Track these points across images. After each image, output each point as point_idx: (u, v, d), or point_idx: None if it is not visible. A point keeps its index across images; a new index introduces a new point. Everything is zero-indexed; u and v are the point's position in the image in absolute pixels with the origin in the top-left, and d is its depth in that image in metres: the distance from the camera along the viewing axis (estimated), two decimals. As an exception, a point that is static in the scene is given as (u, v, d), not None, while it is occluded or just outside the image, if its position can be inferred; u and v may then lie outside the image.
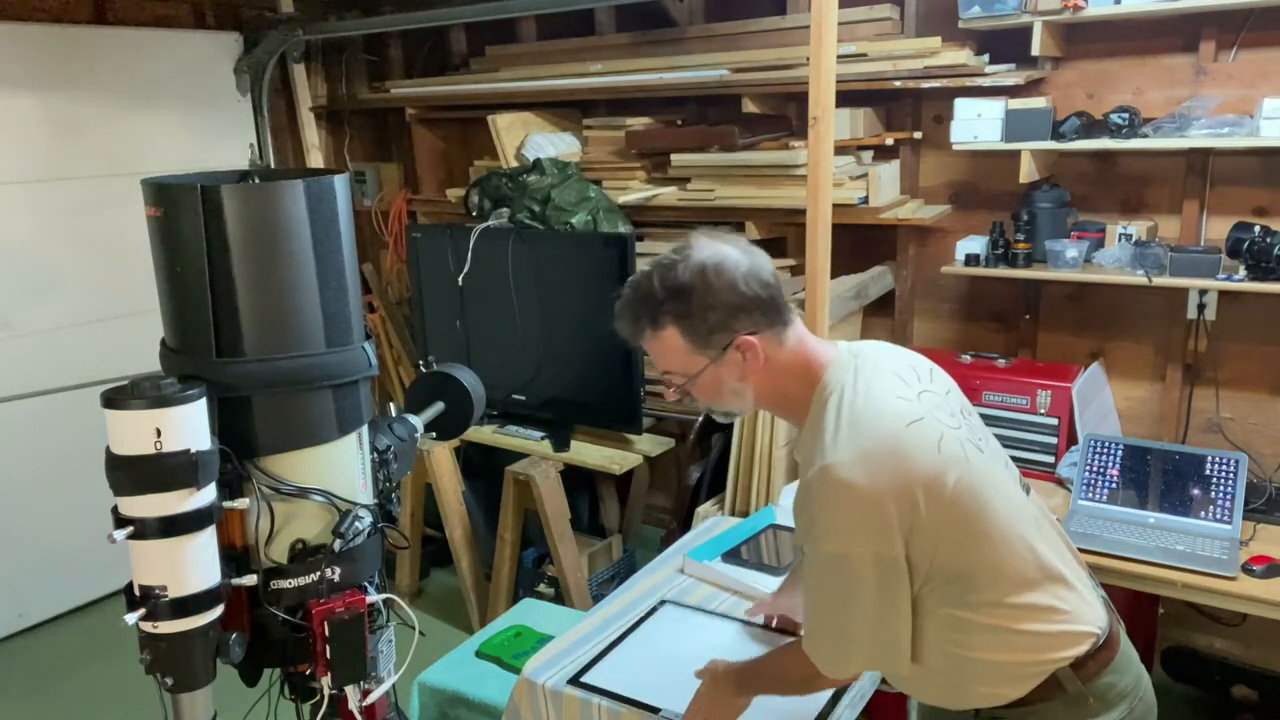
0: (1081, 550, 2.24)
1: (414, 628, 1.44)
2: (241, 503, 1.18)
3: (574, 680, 1.69)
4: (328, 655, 1.25)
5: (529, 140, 3.46)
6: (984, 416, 2.66)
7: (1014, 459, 2.70)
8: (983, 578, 1.26)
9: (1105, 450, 2.49)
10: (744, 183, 3.02)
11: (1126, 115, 2.50)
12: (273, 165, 3.93)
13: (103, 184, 3.50)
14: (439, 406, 1.61)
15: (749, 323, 1.32)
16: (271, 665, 1.32)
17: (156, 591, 1.10)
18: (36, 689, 3.15)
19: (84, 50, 3.47)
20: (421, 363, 3.53)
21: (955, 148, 2.66)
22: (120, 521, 1.10)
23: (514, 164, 3.43)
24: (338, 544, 1.25)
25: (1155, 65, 2.64)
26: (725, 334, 1.32)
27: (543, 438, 3.25)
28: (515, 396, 3.27)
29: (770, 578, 2.00)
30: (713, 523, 2.42)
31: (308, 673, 1.29)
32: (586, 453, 3.19)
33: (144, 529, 1.09)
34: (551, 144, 3.45)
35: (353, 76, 4.22)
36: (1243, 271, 2.40)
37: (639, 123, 3.30)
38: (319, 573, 1.24)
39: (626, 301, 1.38)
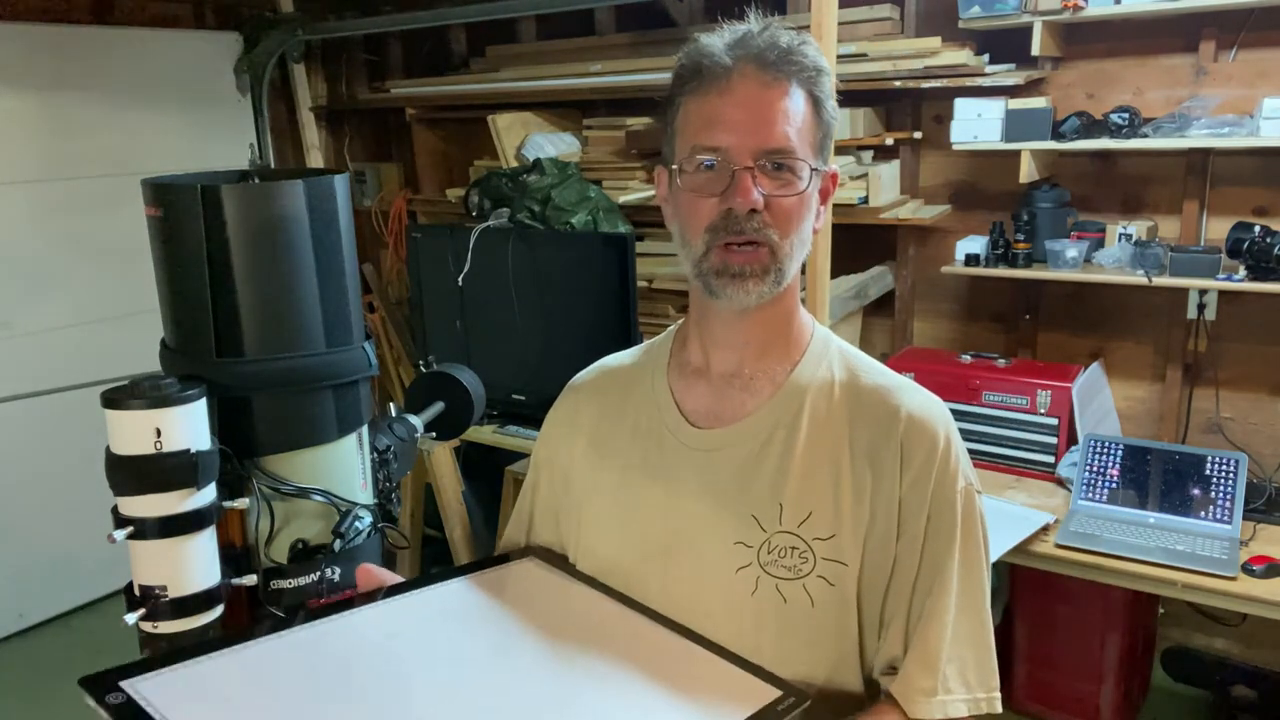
0: (1082, 550, 2.26)
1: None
2: (241, 503, 1.18)
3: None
4: (328, 655, 1.24)
5: (529, 140, 3.46)
6: (984, 416, 2.70)
7: (1014, 459, 2.73)
8: None
9: (1105, 450, 2.49)
10: (744, 183, 3.02)
11: (1126, 115, 2.50)
12: (273, 165, 3.93)
13: (103, 184, 3.50)
14: (439, 406, 1.61)
15: None
16: (271, 665, 1.32)
17: (156, 591, 1.10)
18: (36, 690, 3.15)
19: (84, 50, 3.48)
20: (421, 363, 3.53)
21: (955, 148, 2.66)
22: (120, 521, 1.10)
23: (514, 164, 3.43)
24: (338, 544, 1.25)
25: (1155, 65, 2.64)
26: (828, 155, 1.00)
27: (543, 438, 3.25)
28: (515, 396, 3.27)
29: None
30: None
31: (308, 673, 1.29)
32: (586, 453, 3.18)
33: (144, 529, 1.09)
34: (551, 144, 3.45)
35: (353, 76, 4.22)
36: (1243, 271, 2.40)
37: (639, 123, 3.30)
38: (319, 573, 1.24)
39: (779, 34, 0.96)
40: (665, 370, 1.09)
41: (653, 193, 3.20)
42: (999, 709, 0.97)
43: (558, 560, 1.12)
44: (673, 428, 1.04)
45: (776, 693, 0.88)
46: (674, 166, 0.98)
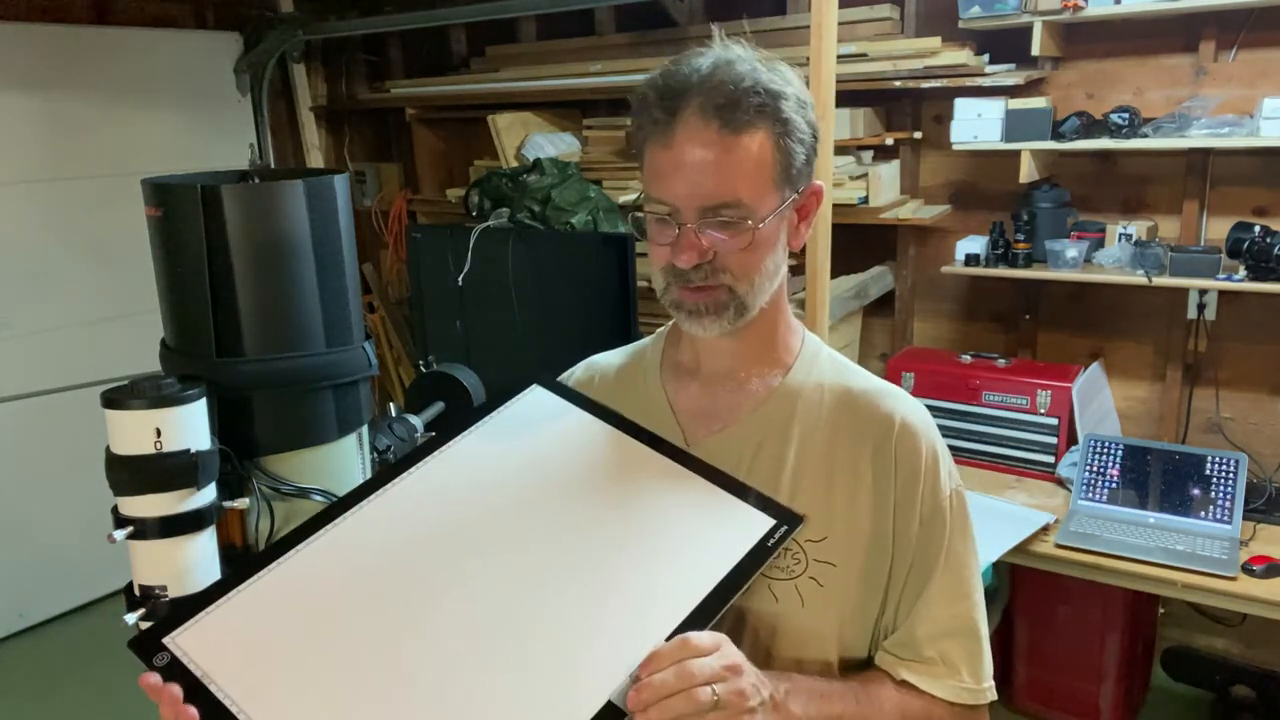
0: (1082, 550, 2.26)
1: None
2: (241, 503, 1.18)
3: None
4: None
5: (529, 140, 3.46)
6: (984, 416, 2.70)
7: (1014, 459, 2.73)
8: None
9: (1105, 450, 2.49)
10: (744, 183, 3.02)
11: (1126, 115, 2.50)
12: (273, 165, 3.93)
13: (103, 184, 3.50)
14: (439, 406, 1.61)
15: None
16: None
17: (156, 591, 1.10)
18: (36, 690, 3.15)
19: (84, 50, 3.47)
20: (421, 363, 3.53)
21: (955, 148, 2.66)
22: (120, 521, 1.10)
23: (514, 164, 3.43)
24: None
25: (1155, 65, 2.64)
26: (809, 171, 0.97)
27: (543, 438, 3.24)
28: (515, 396, 3.27)
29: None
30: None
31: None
32: (586, 453, 3.17)
33: (144, 529, 1.09)
34: (551, 144, 3.45)
35: (353, 76, 4.21)
36: (1243, 271, 2.40)
37: (639, 123, 3.30)
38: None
39: (725, 76, 0.92)
40: (658, 371, 1.09)
41: (653, 193, 3.20)
42: (989, 698, 0.99)
43: (560, 387, 1.15)
44: (666, 431, 1.05)
45: (770, 522, 0.94)
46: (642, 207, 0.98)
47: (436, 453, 1.08)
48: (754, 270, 0.95)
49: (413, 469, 1.06)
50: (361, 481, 1.12)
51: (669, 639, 0.84)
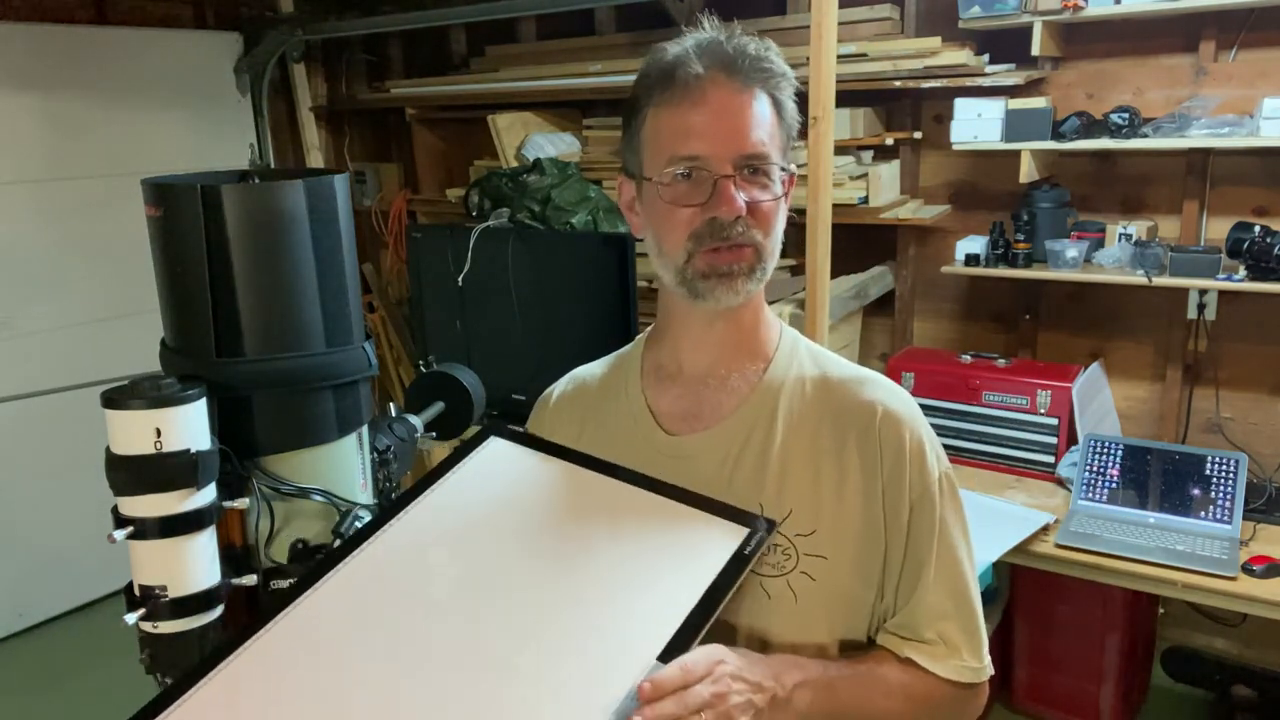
0: (1081, 550, 2.26)
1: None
2: (241, 503, 1.18)
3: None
4: (328, 655, 1.24)
5: (529, 140, 3.46)
6: (984, 416, 2.70)
7: (1014, 459, 2.73)
8: None
9: (1105, 450, 2.49)
10: (744, 183, 3.02)
11: (1126, 115, 2.50)
12: (273, 165, 3.93)
13: (103, 184, 3.50)
14: (439, 406, 1.61)
15: None
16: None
17: (156, 591, 1.10)
18: (36, 689, 3.15)
19: (84, 50, 3.48)
20: (421, 363, 3.53)
21: (955, 148, 2.66)
22: (120, 521, 1.10)
23: (514, 164, 3.43)
24: (337, 544, 1.24)
25: (1155, 65, 2.64)
26: (792, 154, 1.01)
27: (543, 438, 3.24)
28: (515, 396, 3.27)
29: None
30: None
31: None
32: (586, 453, 3.17)
33: (144, 529, 1.09)
34: (551, 144, 3.45)
35: (353, 76, 4.22)
36: (1243, 271, 2.40)
37: (639, 122, 3.30)
38: (319, 572, 1.24)
39: (744, 41, 0.97)
40: (639, 377, 1.09)
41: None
42: (988, 674, 1.00)
43: (519, 435, 1.14)
44: (648, 436, 1.05)
45: (744, 531, 0.93)
46: (646, 177, 0.98)
47: (398, 516, 1.06)
48: (774, 229, 0.96)
49: (376, 535, 1.04)
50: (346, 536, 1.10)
51: (659, 658, 0.84)
